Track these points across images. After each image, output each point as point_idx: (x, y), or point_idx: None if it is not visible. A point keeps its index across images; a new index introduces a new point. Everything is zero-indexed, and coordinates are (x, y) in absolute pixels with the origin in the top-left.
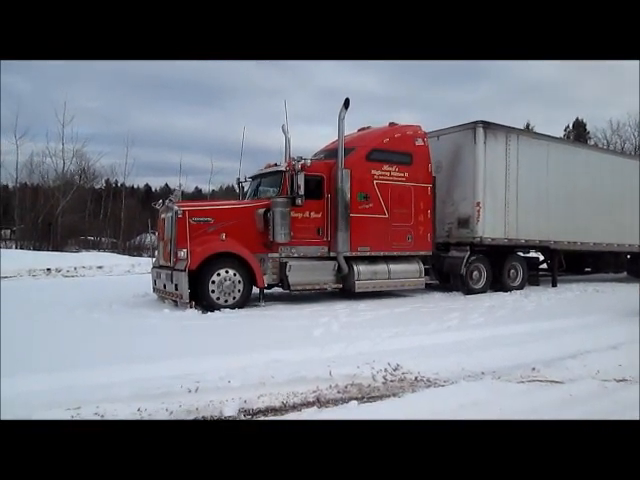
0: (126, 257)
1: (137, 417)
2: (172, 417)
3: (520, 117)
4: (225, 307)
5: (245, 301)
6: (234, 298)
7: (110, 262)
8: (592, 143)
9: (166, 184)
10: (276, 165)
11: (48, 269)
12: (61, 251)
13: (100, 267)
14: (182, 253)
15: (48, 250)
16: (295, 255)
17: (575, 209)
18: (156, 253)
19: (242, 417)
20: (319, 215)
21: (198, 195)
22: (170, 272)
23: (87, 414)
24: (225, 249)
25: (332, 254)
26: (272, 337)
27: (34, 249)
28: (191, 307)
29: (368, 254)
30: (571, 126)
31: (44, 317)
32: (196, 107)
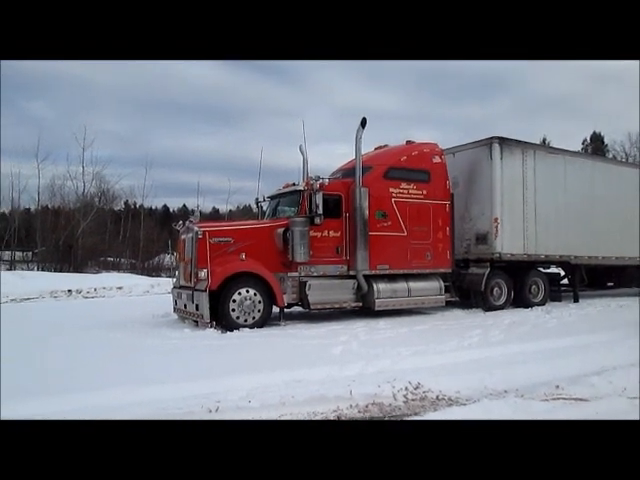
0: (145, 277)
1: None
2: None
3: (537, 131)
4: (245, 327)
5: (265, 320)
6: (254, 318)
7: (129, 283)
8: (610, 156)
9: (184, 205)
10: (294, 185)
11: (69, 290)
12: (81, 272)
13: (120, 288)
14: (203, 273)
15: (69, 271)
16: (314, 274)
17: (595, 223)
18: (176, 274)
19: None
20: (338, 234)
21: (215, 215)
22: (191, 292)
23: None
24: (245, 269)
25: (351, 272)
26: (292, 356)
27: (55, 271)
28: (212, 327)
29: (387, 272)
30: (588, 139)
31: (65, 338)
32: (213, 127)
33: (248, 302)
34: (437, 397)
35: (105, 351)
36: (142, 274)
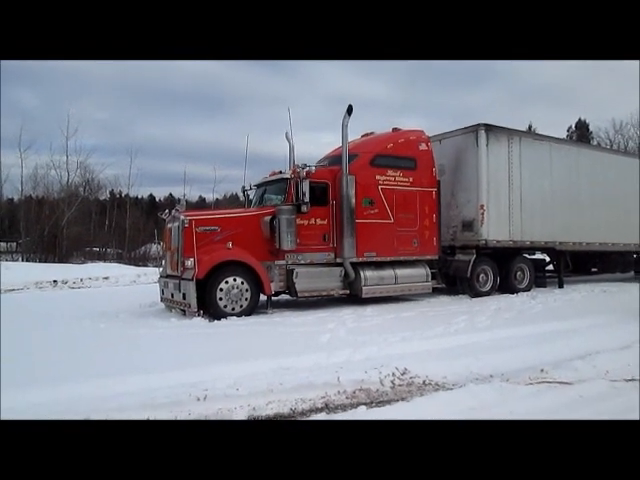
0: (132, 267)
1: None
2: None
3: (524, 119)
4: (232, 315)
5: (253, 309)
6: (242, 306)
7: (116, 273)
8: (595, 143)
9: (170, 194)
10: (281, 173)
11: (54, 281)
12: (67, 263)
13: (106, 278)
14: (189, 262)
15: (54, 262)
16: (302, 262)
17: (580, 209)
18: (163, 263)
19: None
20: (325, 222)
21: (202, 204)
22: (178, 281)
23: None
24: (232, 257)
25: (338, 260)
26: (279, 344)
27: (40, 261)
28: (199, 316)
29: (374, 259)
30: (574, 127)
31: (52, 328)
32: (199, 116)
33: (235, 291)
34: (424, 382)
35: (93, 341)
36: (128, 264)
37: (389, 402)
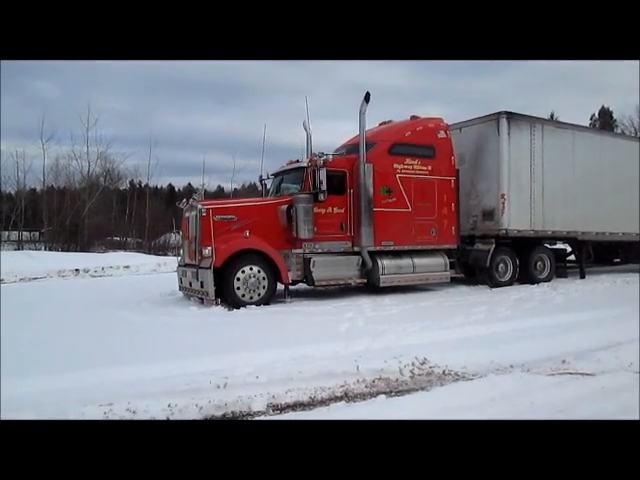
0: (152, 256)
1: (167, 413)
2: (202, 412)
3: (546, 107)
4: (250, 304)
5: (270, 297)
6: (259, 295)
7: (136, 262)
8: (619, 131)
9: (189, 183)
10: (298, 162)
11: (76, 270)
12: (88, 252)
13: (127, 267)
14: (207, 251)
15: (76, 251)
16: (319, 251)
17: (603, 199)
18: (181, 252)
19: (270, 412)
20: (342, 210)
21: (220, 194)
22: (196, 270)
23: (119, 410)
24: (249, 246)
25: (356, 249)
26: (299, 333)
27: (62, 250)
28: (217, 304)
29: (392, 248)
30: (597, 114)
31: (74, 316)
32: (218, 106)
33: (253, 279)
34: (443, 372)
35: (115, 329)
36: (149, 253)
37: (409, 391)
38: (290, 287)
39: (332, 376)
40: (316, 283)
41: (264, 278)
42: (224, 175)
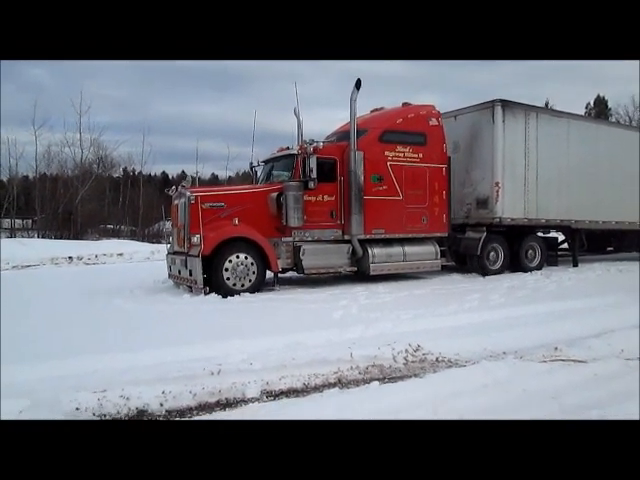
0: (145, 244)
1: (161, 399)
2: (196, 399)
3: (542, 96)
4: (239, 291)
5: (259, 285)
6: (250, 281)
7: (130, 249)
8: (614, 120)
9: (183, 171)
10: (288, 149)
11: (70, 257)
12: (81, 239)
13: (120, 254)
14: (195, 239)
15: (69, 239)
16: (309, 239)
17: (597, 187)
18: (170, 239)
19: (264, 399)
20: (332, 198)
21: (215, 181)
22: (184, 258)
23: (113, 397)
24: (238, 234)
25: (346, 237)
26: (293, 320)
27: (55, 238)
28: (205, 293)
29: (382, 236)
30: (592, 103)
31: (68, 303)
32: (213, 93)
33: (241, 267)
34: (437, 359)
35: (108, 317)
36: (142, 241)
37: (402, 378)
38: (284, 275)
39: (326, 363)
40: (306, 271)
41: (252, 264)
42: (219, 163)
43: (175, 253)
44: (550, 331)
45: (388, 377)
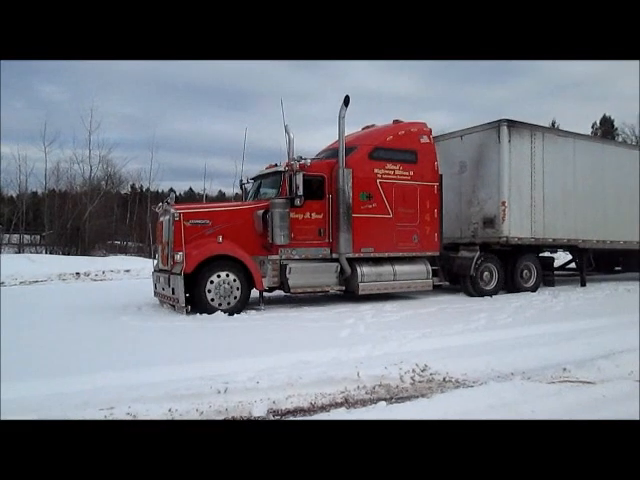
0: (152, 261)
1: (168, 418)
2: (203, 417)
3: (548, 115)
4: (222, 311)
5: (243, 305)
6: (235, 298)
7: (137, 266)
8: (620, 140)
9: (190, 188)
10: (276, 166)
11: (77, 273)
12: (89, 255)
13: (127, 271)
14: (178, 256)
15: (76, 255)
16: (296, 257)
17: (604, 207)
18: (156, 256)
19: (270, 418)
20: (320, 216)
21: (222, 198)
22: (167, 276)
23: (120, 414)
24: (222, 252)
25: (334, 255)
26: (299, 339)
27: (63, 254)
28: (187, 312)
29: (372, 255)
30: (598, 123)
31: (75, 320)
32: (222, 111)
33: (225, 286)
34: (444, 379)
35: (116, 333)
36: (149, 257)
37: (409, 398)
38: (268, 294)
39: (333, 382)
40: (292, 290)
41: (235, 281)
42: (226, 180)
43: (160, 271)
44: (558, 352)
45: (395, 397)
